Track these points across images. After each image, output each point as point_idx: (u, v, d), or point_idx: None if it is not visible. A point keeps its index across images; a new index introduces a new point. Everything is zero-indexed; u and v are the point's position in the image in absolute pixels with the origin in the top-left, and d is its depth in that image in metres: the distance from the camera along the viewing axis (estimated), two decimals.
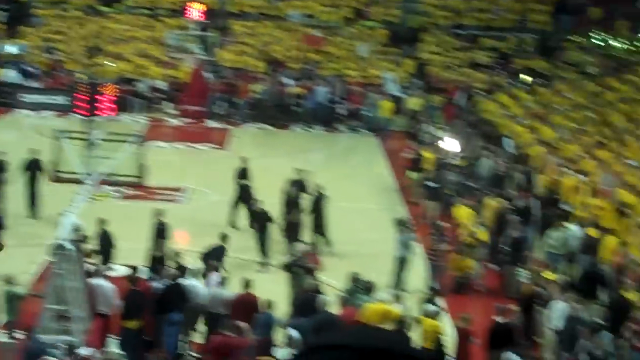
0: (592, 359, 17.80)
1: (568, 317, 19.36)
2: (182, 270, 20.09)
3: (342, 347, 1.86)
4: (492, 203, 26.97)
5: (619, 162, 30.34)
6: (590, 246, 23.68)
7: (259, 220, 25.55)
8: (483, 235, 24.86)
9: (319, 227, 26.60)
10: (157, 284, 19.64)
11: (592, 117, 38.01)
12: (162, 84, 46.43)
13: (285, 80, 46.18)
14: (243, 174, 28.74)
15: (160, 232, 23.28)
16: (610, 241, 23.49)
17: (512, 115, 39.21)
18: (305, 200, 26.70)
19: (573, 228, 24.67)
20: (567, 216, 25.67)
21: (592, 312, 19.68)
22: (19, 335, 18.77)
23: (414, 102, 43.95)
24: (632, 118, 36.62)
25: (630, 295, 20.07)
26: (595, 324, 19.11)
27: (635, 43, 49.23)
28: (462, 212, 26.72)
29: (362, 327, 1.82)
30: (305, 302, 19.20)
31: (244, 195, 27.77)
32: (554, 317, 19.80)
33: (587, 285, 21.99)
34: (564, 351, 18.82)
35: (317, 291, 19.69)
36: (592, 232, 24.14)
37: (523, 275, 23.17)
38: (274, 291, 20.62)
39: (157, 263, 21.90)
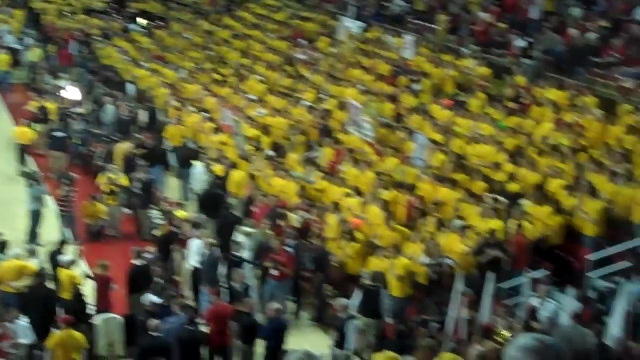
0: (233, 293, 18.18)
1: (205, 254, 19.69)
2: None
3: None
4: (120, 148, 26.83)
5: (239, 98, 30.94)
6: (219, 181, 24.13)
7: None
8: (124, 180, 24.62)
9: None
10: None
11: (209, 55, 38.55)
12: None
13: None
14: None
15: None
16: (236, 175, 24.04)
17: (132, 59, 38.93)
18: None
19: (200, 166, 25.08)
20: (197, 155, 26.02)
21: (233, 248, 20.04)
22: None
23: (32, 54, 42.56)
24: (247, 54, 37.45)
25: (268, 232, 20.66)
26: (234, 258, 19.51)
27: None
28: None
29: None
30: None
31: None
32: (192, 255, 20.06)
33: (207, 207, 22.75)
34: (206, 286, 19.11)
35: None
36: (219, 168, 24.61)
37: (156, 216, 23.27)
38: None
39: None
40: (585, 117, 23.02)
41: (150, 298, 17.43)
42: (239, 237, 20.23)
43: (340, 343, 16.97)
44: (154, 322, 16.00)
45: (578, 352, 3.96)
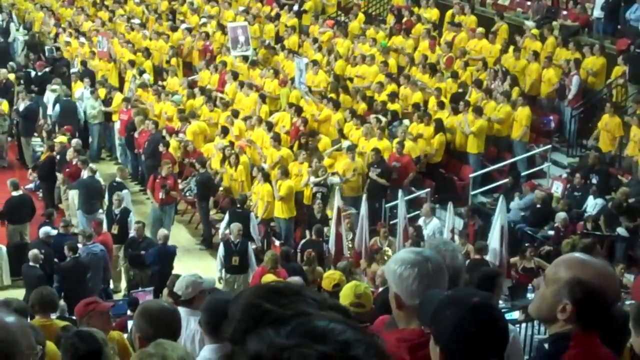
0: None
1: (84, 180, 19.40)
2: None
3: None
4: None
5: (120, 22, 30.13)
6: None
7: None
8: (4, 106, 23.90)
9: None
10: None
11: None
12: None
13: None
14: None
15: None
16: (117, 99, 23.74)
17: None
18: None
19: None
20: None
21: None
22: None
23: None
24: None
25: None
26: (114, 183, 19.34)
27: None
28: None
29: None
30: None
31: None
32: None
33: None
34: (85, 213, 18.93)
35: None
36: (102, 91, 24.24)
37: (38, 144, 22.98)
38: None
39: None
40: (464, 35, 23.37)
41: (46, 229, 16.82)
42: None
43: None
44: (33, 252, 15.46)
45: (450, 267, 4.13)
